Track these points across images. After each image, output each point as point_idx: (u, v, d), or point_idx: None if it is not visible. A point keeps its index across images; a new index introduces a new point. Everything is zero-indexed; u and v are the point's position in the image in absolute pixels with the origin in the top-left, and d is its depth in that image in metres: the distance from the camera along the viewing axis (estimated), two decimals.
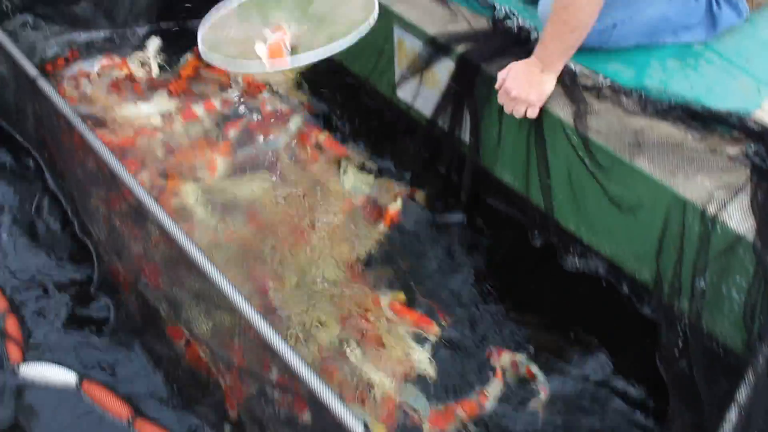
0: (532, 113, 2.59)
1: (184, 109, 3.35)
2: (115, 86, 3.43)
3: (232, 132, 3.28)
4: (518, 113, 2.60)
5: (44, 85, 2.72)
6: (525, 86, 2.56)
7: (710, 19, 2.76)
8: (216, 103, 3.39)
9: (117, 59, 3.58)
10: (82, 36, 3.70)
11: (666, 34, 2.75)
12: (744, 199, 2.23)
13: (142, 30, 3.77)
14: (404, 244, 2.91)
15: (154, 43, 3.67)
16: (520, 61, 2.60)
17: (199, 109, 3.35)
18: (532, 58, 2.58)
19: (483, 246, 2.96)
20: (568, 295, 2.77)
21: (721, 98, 2.53)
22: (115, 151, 2.45)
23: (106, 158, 2.43)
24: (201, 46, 2.58)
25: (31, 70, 2.77)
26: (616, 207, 2.47)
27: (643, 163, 2.36)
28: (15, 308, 2.68)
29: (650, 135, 2.42)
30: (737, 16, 2.80)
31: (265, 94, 3.46)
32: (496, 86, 2.64)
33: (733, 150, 2.36)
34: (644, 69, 2.69)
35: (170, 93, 3.41)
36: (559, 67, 2.58)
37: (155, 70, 3.57)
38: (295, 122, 3.35)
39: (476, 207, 3.02)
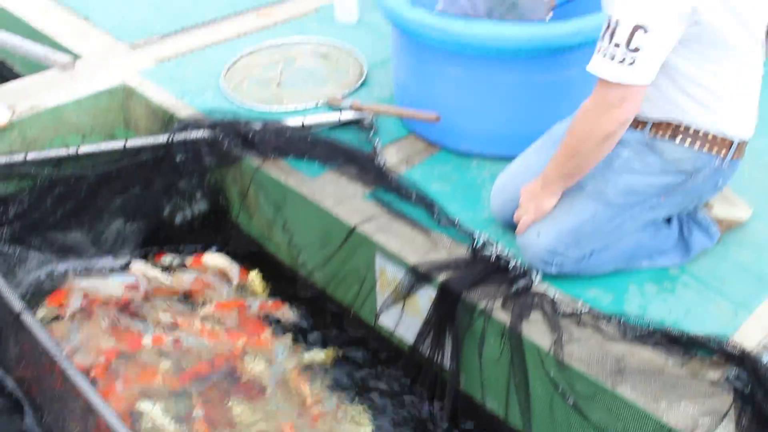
0: (525, 220, 2.75)
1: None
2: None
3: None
4: (515, 217, 2.79)
5: (29, 319, 2.73)
6: (529, 197, 2.75)
7: (683, 243, 2.84)
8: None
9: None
10: (69, 264, 3.74)
11: (642, 260, 2.82)
12: (729, 426, 2.22)
13: (127, 256, 3.82)
14: None
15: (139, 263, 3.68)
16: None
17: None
18: (540, 175, 2.73)
19: None
20: None
21: (700, 322, 2.58)
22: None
23: (90, 398, 2.42)
24: None
25: (17, 305, 2.78)
26: None
27: (625, 391, 2.36)
28: None
29: (631, 361, 2.43)
30: (709, 239, 2.88)
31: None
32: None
33: (714, 374, 2.38)
34: (622, 294, 2.74)
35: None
36: (557, 190, 2.71)
37: (163, 278, 3.55)
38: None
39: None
